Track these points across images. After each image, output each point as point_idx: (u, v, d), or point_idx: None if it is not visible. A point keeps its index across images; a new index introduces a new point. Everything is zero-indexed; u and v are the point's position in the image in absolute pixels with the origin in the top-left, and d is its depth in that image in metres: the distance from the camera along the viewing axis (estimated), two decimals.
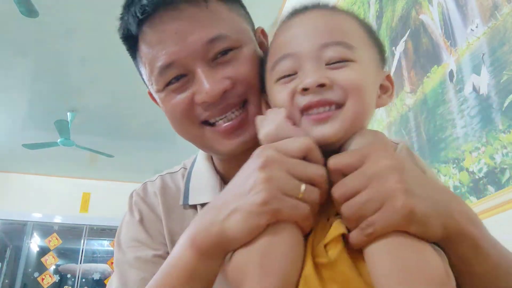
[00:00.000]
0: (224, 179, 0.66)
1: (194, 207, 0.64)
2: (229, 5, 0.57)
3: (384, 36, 1.84)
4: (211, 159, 0.68)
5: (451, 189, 1.27)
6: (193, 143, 0.61)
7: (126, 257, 0.62)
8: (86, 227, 6.34)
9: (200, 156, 0.70)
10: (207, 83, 0.53)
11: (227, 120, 0.56)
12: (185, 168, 0.71)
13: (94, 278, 6.37)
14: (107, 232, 6.54)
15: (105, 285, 6.07)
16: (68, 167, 6.03)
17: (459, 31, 1.31)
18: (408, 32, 1.63)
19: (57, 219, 6.22)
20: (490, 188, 1.10)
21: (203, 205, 0.62)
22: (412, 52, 1.59)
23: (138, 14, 0.54)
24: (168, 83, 0.55)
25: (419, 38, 1.55)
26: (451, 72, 1.34)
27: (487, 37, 1.17)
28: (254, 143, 0.51)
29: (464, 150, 1.23)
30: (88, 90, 4.15)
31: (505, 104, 1.08)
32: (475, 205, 1.15)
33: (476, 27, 1.22)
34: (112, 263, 6.08)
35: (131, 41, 0.59)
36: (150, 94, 0.65)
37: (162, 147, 5.43)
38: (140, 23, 0.55)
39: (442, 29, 1.41)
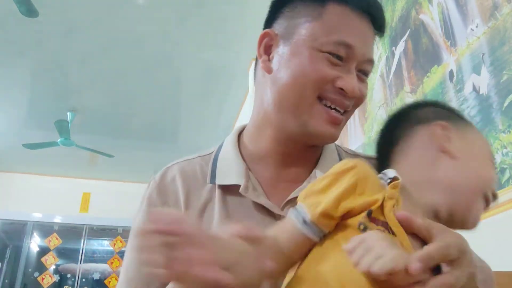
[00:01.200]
0: (249, 167, 0.70)
1: (214, 186, 0.69)
2: None
3: (384, 36, 1.84)
4: (237, 145, 0.74)
5: None
6: (292, 104, 0.65)
7: (131, 251, 0.68)
8: (86, 227, 6.35)
9: (228, 143, 0.75)
10: (355, 81, 0.63)
11: (335, 111, 0.65)
12: (202, 156, 0.75)
13: (94, 278, 6.38)
14: (107, 232, 6.54)
15: (105, 285, 6.08)
16: (68, 167, 6.04)
17: (459, 31, 1.31)
18: (408, 32, 1.63)
19: (57, 219, 6.23)
20: None
21: (226, 186, 0.68)
22: (412, 52, 1.59)
23: None
24: (332, 53, 0.62)
25: (419, 38, 1.55)
26: (451, 72, 1.34)
27: (487, 37, 1.17)
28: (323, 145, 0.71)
29: None
30: (88, 90, 4.15)
31: (505, 104, 1.08)
32: None
33: (476, 27, 1.22)
34: (112, 263, 6.11)
35: None
36: (265, 36, 0.70)
37: (162, 147, 5.43)
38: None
39: (442, 29, 1.41)
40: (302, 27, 0.65)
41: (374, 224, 0.46)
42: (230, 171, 0.69)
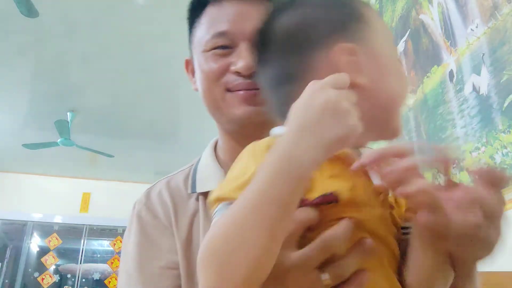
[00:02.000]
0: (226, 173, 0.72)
1: (197, 197, 0.71)
2: None
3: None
4: (214, 155, 0.76)
5: None
6: (213, 107, 0.70)
7: (131, 272, 0.66)
8: (86, 227, 6.34)
9: (205, 153, 0.78)
10: (246, 58, 0.64)
11: (244, 91, 0.66)
12: (183, 170, 0.78)
13: (94, 278, 6.37)
14: (107, 232, 6.54)
15: (105, 285, 6.08)
16: (68, 167, 6.03)
17: (459, 31, 1.31)
18: (408, 32, 1.63)
19: (57, 219, 6.22)
20: None
21: (206, 193, 0.67)
22: (412, 52, 1.59)
23: None
24: (215, 47, 0.67)
25: (419, 38, 1.55)
26: (451, 72, 1.34)
27: (487, 37, 1.17)
28: (261, 122, 0.61)
29: (464, 150, 1.23)
30: (88, 90, 4.15)
31: (505, 104, 1.08)
32: None
33: (476, 27, 1.22)
34: (112, 263, 6.11)
35: (201, 5, 0.71)
36: (187, 63, 0.79)
37: (162, 147, 5.42)
38: None
39: (442, 29, 1.41)
40: (193, 41, 0.73)
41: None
42: (209, 178, 0.71)
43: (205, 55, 0.68)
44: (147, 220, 0.69)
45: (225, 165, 0.73)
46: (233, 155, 0.70)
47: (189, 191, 0.72)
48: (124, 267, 0.67)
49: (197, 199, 0.70)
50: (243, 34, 0.65)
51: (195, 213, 0.69)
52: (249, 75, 0.64)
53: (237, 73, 0.65)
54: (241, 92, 0.65)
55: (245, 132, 0.67)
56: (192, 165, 0.78)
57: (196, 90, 0.75)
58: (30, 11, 2.77)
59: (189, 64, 0.79)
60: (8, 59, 3.64)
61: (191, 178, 0.74)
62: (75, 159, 5.56)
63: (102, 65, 3.71)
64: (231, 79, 0.66)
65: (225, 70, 0.66)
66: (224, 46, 0.66)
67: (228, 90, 0.67)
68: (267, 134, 0.49)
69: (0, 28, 3.19)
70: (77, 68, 3.76)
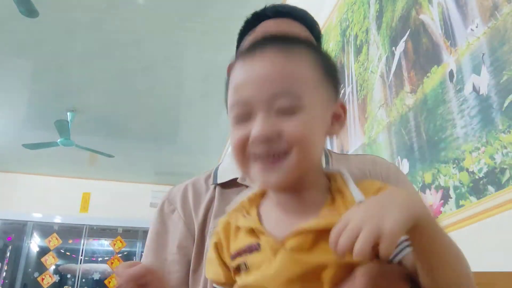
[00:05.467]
0: None
1: (214, 188, 0.81)
2: None
3: (384, 36, 1.84)
4: None
5: (451, 189, 1.27)
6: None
7: (148, 254, 0.79)
8: (86, 227, 6.35)
9: (228, 155, 0.85)
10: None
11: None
12: (206, 171, 0.87)
13: (94, 278, 6.38)
14: (107, 232, 6.54)
15: (105, 285, 6.08)
16: (68, 167, 6.04)
17: (459, 31, 1.31)
18: (408, 32, 1.63)
19: (57, 219, 6.23)
20: (490, 188, 1.10)
21: (225, 183, 0.79)
22: (412, 52, 1.59)
23: None
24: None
25: (419, 38, 1.55)
26: (451, 72, 1.34)
27: (487, 37, 1.17)
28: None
29: (464, 150, 1.23)
30: (88, 90, 4.15)
31: (505, 104, 1.08)
32: (475, 205, 1.15)
33: (476, 27, 1.22)
34: (112, 263, 6.10)
35: (257, 21, 0.82)
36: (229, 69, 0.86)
37: (162, 147, 5.43)
38: None
39: (442, 29, 1.41)
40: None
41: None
42: (229, 171, 0.80)
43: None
44: (167, 212, 0.80)
45: None
46: None
47: (211, 183, 0.81)
48: (144, 252, 0.80)
49: (214, 189, 0.80)
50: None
51: (211, 200, 0.78)
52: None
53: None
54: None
55: None
56: (213, 168, 0.89)
57: None
58: (30, 11, 2.77)
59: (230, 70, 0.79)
60: (8, 59, 3.64)
61: (213, 173, 0.84)
62: (75, 159, 5.56)
63: (102, 65, 3.71)
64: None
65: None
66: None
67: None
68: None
69: (0, 28, 3.19)
70: (77, 68, 3.76)
